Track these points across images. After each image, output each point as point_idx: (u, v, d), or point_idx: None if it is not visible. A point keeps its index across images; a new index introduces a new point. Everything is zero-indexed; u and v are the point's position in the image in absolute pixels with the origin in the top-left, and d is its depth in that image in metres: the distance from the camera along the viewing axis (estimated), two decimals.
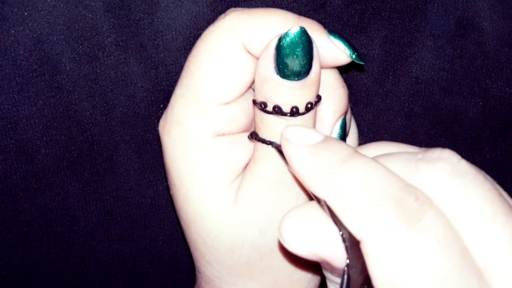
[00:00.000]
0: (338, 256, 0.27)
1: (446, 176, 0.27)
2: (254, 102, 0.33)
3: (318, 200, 0.28)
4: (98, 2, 0.37)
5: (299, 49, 0.30)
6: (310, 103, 0.32)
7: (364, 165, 0.27)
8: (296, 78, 0.31)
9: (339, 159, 0.28)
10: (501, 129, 0.43)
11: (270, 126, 0.32)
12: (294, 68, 0.31)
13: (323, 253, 0.27)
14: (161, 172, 0.43)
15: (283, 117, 0.32)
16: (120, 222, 0.44)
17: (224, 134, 0.34)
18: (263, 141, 0.33)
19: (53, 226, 0.43)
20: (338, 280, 0.30)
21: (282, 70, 0.31)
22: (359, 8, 0.40)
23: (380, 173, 0.27)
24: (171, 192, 0.36)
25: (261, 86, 0.32)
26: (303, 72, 0.31)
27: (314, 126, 0.33)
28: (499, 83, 0.42)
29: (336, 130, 0.35)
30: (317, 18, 0.39)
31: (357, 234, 0.26)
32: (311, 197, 0.34)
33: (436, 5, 0.40)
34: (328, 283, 0.31)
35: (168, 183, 0.36)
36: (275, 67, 0.31)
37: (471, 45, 0.41)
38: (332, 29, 0.39)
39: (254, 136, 0.33)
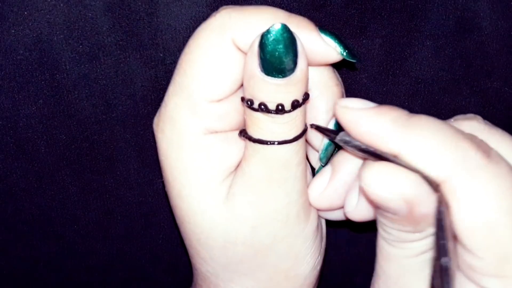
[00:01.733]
0: (423, 199, 0.28)
1: (485, 126, 0.31)
2: (242, 99, 0.33)
3: (386, 158, 0.29)
4: (98, 2, 0.37)
5: (281, 46, 0.30)
6: (297, 101, 0.32)
7: (428, 118, 0.29)
8: (280, 75, 0.31)
9: (405, 114, 0.29)
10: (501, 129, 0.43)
11: (258, 124, 0.32)
12: (277, 65, 0.31)
13: (410, 194, 0.28)
14: (161, 171, 0.43)
15: (269, 114, 0.32)
16: (120, 221, 0.44)
17: (216, 132, 0.34)
18: (252, 139, 0.33)
19: (53, 225, 0.43)
20: (406, 235, 0.31)
21: (266, 67, 0.31)
22: (359, 8, 0.40)
23: (444, 123, 0.29)
24: (166, 189, 0.36)
25: (248, 83, 0.32)
26: (287, 69, 0.31)
27: (303, 124, 0.33)
28: (498, 83, 0.42)
29: (330, 129, 0.35)
30: (317, 17, 0.39)
31: (441, 175, 0.28)
32: (303, 194, 0.34)
33: (436, 5, 0.40)
34: (385, 245, 0.32)
35: (163, 180, 0.36)
36: (259, 64, 0.31)
37: (471, 45, 0.41)
38: (332, 29, 0.39)
39: (243, 133, 0.33)
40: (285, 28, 0.30)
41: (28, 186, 0.42)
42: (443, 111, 0.43)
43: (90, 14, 0.38)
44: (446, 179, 0.28)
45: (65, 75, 0.39)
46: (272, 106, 0.32)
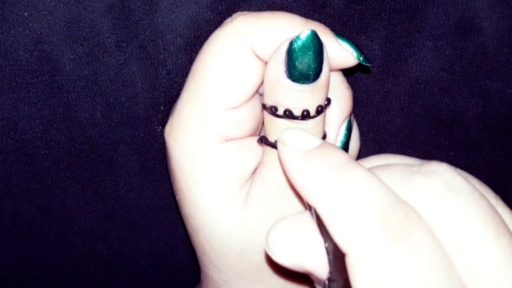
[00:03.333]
0: (323, 268, 0.27)
1: (439, 190, 0.26)
2: (264, 106, 0.32)
3: (310, 208, 0.27)
4: (98, 3, 0.37)
5: (311, 52, 0.30)
6: (321, 106, 0.32)
7: (357, 175, 0.26)
8: (307, 82, 0.31)
9: (332, 166, 0.27)
10: (501, 129, 0.43)
11: (281, 130, 0.32)
12: (305, 72, 0.30)
13: (307, 265, 0.27)
14: (161, 173, 0.43)
15: (294, 120, 0.32)
16: (120, 223, 0.44)
17: (232, 139, 0.33)
18: (273, 146, 0.32)
19: (53, 226, 0.43)
20: None
21: (293, 73, 0.30)
22: (359, 8, 0.40)
23: (373, 185, 0.26)
24: (177, 197, 0.36)
25: (271, 90, 0.32)
26: (314, 75, 0.31)
27: (323, 128, 0.33)
28: (499, 83, 0.42)
29: (342, 132, 0.35)
30: (317, 18, 0.39)
31: (343, 246, 0.25)
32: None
33: (436, 5, 0.40)
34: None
35: (174, 189, 0.36)
36: (285, 71, 0.31)
37: (471, 45, 0.41)
38: (332, 30, 0.39)
39: (263, 140, 0.33)
40: (315, 35, 0.30)
41: (28, 187, 0.42)
42: (443, 111, 0.43)
43: (90, 15, 0.38)
44: (347, 252, 0.25)
45: (65, 76, 0.39)
46: (297, 112, 0.31)
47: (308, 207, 0.28)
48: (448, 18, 0.40)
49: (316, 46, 0.30)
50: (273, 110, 0.32)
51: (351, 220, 0.25)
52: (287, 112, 0.31)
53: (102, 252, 0.45)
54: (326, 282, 0.26)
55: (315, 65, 0.30)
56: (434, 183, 0.26)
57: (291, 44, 0.30)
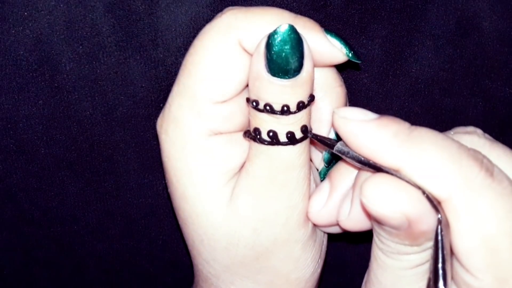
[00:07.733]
0: (424, 216, 0.28)
1: (485, 141, 0.30)
2: (248, 100, 0.33)
3: (387, 172, 0.29)
4: (98, 3, 0.37)
5: (288, 47, 0.30)
6: (302, 102, 0.32)
7: (430, 132, 0.28)
8: (287, 77, 0.31)
9: (407, 128, 0.29)
10: (501, 129, 0.43)
11: (263, 124, 0.32)
12: (284, 66, 0.31)
13: (411, 212, 0.28)
14: (161, 172, 0.42)
15: (274, 115, 0.32)
16: (120, 222, 0.44)
17: (220, 133, 0.34)
18: (255, 139, 0.33)
19: (53, 226, 0.43)
20: (404, 248, 0.30)
21: (272, 68, 0.31)
22: (359, 8, 0.40)
23: (446, 138, 0.28)
24: (169, 190, 0.36)
25: (253, 84, 0.32)
26: (293, 70, 0.31)
27: (308, 126, 0.33)
28: (499, 83, 0.42)
29: (334, 130, 0.35)
30: (317, 18, 0.39)
31: (443, 193, 0.27)
32: (305, 198, 0.34)
33: (436, 5, 0.40)
34: (381, 255, 0.31)
35: (166, 181, 0.36)
36: (265, 65, 0.31)
37: (471, 45, 0.41)
38: (332, 29, 0.39)
39: (248, 134, 0.33)
40: (292, 29, 0.30)
41: (28, 187, 0.42)
42: (443, 111, 0.43)
43: (90, 15, 0.38)
44: (448, 198, 0.27)
45: (65, 75, 0.39)
46: (277, 107, 0.31)
47: (383, 171, 0.29)
48: (448, 18, 0.40)
49: (294, 40, 0.30)
50: (254, 104, 0.32)
51: (447, 168, 0.27)
52: (267, 107, 0.32)
53: (102, 251, 0.45)
54: (439, 226, 0.27)
55: (293, 59, 0.31)
56: (479, 136, 0.31)
57: (268, 38, 0.31)
